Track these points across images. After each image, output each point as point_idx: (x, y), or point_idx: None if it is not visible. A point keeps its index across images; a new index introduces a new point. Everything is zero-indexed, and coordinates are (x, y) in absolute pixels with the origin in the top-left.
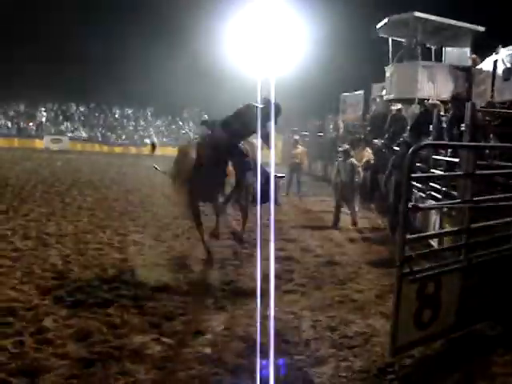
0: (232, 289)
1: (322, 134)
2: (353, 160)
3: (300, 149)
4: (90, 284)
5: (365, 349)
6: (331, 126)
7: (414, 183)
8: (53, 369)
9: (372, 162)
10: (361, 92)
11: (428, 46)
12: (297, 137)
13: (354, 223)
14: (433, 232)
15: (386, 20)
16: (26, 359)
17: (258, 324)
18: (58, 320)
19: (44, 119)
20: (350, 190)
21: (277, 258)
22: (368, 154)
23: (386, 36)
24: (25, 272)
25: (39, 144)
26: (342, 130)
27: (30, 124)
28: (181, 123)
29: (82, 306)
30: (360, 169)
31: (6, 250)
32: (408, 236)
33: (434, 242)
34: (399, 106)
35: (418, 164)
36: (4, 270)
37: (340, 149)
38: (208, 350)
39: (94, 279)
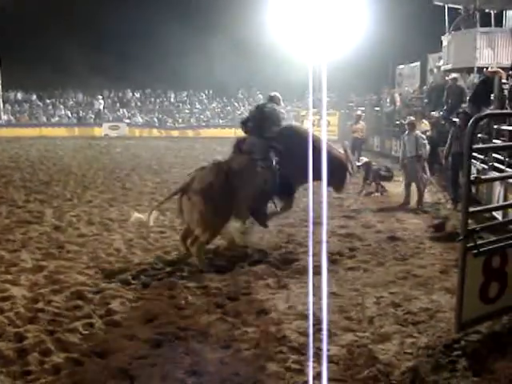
0: (294, 267)
1: (378, 108)
2: (418, 132)
3: (361, 124)
4: (154, 267)
5: (430, 325)
6: (388, 100)
7: (476, 154)
8: (122, 349)
9: (430, 134)
10: (417, 63)
11: (487, 10)
12: (359, 111)
13: (419, 203)
14: (497, 204)
15: None
16: (96, 340)
17: (321, 301)
18: (125, 303)
19: (102, 107)
20: (416, 166)
21: (338, 236)
22: (425, 125)
23: (441, 4)
24: (91, 257)
25: (98, 132)
26: (398, 104)
27: (89, 112)
28: (236, 104)
29: (147, 288)
30: (426, 141)
31: (73, 235)
32: (471, 209)
33: (499, 215)
34: (455, 75)
35: (480, 135)
36: (71, 255)
37: (404, 121)
38: (272, 329)
39: (158, 262)
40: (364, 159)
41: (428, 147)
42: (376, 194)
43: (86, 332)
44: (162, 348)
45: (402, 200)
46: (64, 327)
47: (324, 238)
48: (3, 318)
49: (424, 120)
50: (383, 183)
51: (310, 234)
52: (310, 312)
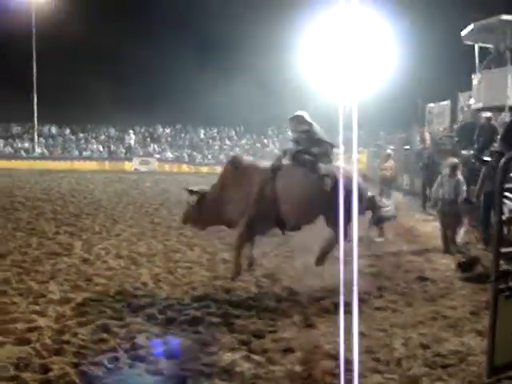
0: (321, 305)
1: (408, 146)
2: (460, 177)
3: (391, 162)
4: (180, 302)
5: (460, 368)
6: (417, 138)
7: (508, 194)
8: None
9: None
10: (447, 102)
11: None
12: (389, 150)
13: (452, 244)
14: None
15: (471, 26)
16: (121, 375)
17: (348, 341)
18: (151, 337)
19: (132, 142)
20: (454, 210)
21: (366, 274)
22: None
23: (471, 43)
24: (118, 290)
25: (128, 166)
26: (428, 142)
27: (120, 147)
28: (265, 141)
29: (173, 323)
30: (465, 187)
31: (101, 268)
32: (503, 249)
33: None
34: (489, 114)
35: None
36: (99, 288)
37: (448, 162)
38: (298, 368)
39: (184, 297)
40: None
41: (465, 194)
42: (379, 240)
43: (111, 366)
44: None
45: (431, 239)
46: (89, 360)
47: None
48: (30, 348)
49: (456, 159)
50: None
51: (341, 272)
52: (341, 352)
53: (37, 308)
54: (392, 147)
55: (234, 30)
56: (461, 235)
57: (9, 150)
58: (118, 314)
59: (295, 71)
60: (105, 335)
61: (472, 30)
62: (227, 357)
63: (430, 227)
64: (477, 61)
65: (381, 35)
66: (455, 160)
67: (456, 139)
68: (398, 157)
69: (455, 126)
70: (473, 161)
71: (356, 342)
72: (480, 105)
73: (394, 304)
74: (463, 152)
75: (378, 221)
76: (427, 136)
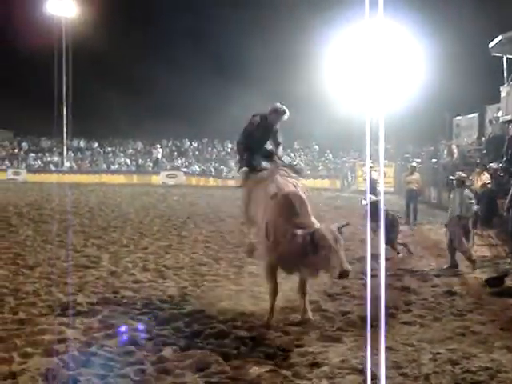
0: (348, 320)
1: (435, 159)
2: (467, 191)
3: (416, 175)
4: (207, 315)
5: None
6: (445, 152)
7: None
8: None
9: (489, 186)
10: (475, 115)
11: None
12: (414, 163)
13: (471, 261)
14: None
15: (499, 38)
16: None
17: (376, 356)
18: (177, 350)
19: (160, 155)
20: (456, 228)
21: (394, 289)
22: (485, 177)
23: (499, 54)
24: (144, 303)
25: (156, 180)
26: (456, 155)
27: (147, 161)
28: (292, 154)
29: (199, 336)
30: (473, 201)
31: (128, 281)
32: None
33: None
34: None
35: None
36: (126, 300)
37: (452, 177)
38: (325, 383)
39: (210, 310)
40: (372, 197)
41: (475, 208)
42: (400, 256)
43: (137, 378)
44: None
45: (459, 253)
46: (115, 372)
47: (382, 291)
48: (58, 360)
49: (484, 172)
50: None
51: (368, 287)
52: (368, 367)
53: (65, 320)
54: (418, 160)
55: (260, 44)
56: (469, 250)
57: (38, 163)
58: (145, 326)
59: (321, 85)
60: (131, 347)
61: (500, 41)
62: (253, 370)
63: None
64: (505, 73)
65: (408, 48)
66: (462, 174)
67: (484, 152)
68: (425, 170)
69: (483, 139)
70: (501, 174)
71: (383, 357)
72: (508, 117)
73: (422, 319)
74: (491, 165)
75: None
76: (455, 149)
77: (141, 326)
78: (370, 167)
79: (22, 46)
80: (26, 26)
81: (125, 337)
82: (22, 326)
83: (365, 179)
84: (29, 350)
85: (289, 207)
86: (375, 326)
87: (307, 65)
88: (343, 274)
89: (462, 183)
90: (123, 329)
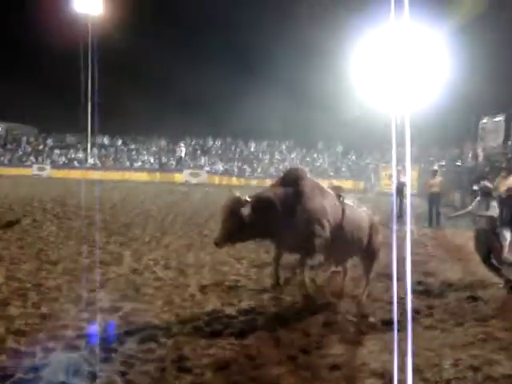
0: (369, 322)
1: (460, 163)
2: (493, 203)
3: (438, 178)
4: (227, 315)
5: None
6: (470, 155)
7: None
8: None
9: None
10: (501, 118)
11: None
12: (436, 167)
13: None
14: None
15: None
16: None
17: (396, 360)
18: (197, 349)
19: (183, 154)
20: (485, 238)
21: (415, 293)
22: (510, 182)
23: None
24: (165, 301)
25: (178, 178)
26: (480, 159)
27: (171, 159)
28: (315, 155)
29: (220, 336)
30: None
31: (149, 279)
32: None
33: None
34: None
35: None
36: (147, 298)
37: (475, 187)
38: None
39: (231, 310)
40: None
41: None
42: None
43: (157, 376)
44: None
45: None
46: (136, 369)
47: (408, 295)
48: (79, 356)
49: (510, 176)
50: None
51: (394, 290)
52: (384, 370)
53: (86, 316)
54: (441, 163)
55: (287, 43)
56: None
57: (63, 159)
58: (166, 324)
59: (347, 85)
60: (152, 345)
61: None
62: (273, 371)
63: None
64: None
65: (434, 49)
66: (488, 184)
67: (510, 156)
68: (450, 173)
69: (509, 143)
70: None
71: (409, 362)
72: None
73: (444, 323)
74: None
75: None
76: (480, 152)
77: (161, 324)
78: (398, 170)
79: (48, 44)
80: (52, 23)
81: (145, 334)
82: (44, 321)
83: (389, 181)
84: (51, 344)
85: None
86: (398, 330)
87: (333, 64)
88: None
89: (486, 193)
90: (143, 326)
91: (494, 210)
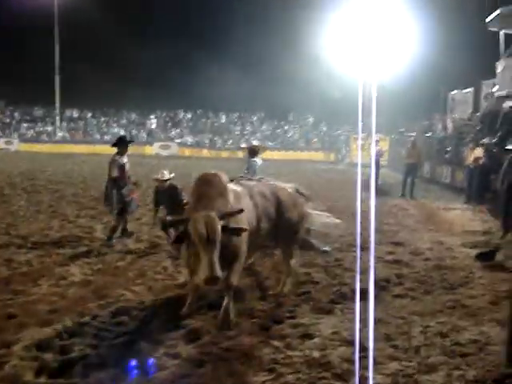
0: (340, 292)
1: (429, 134)
2: None
3: (417, 149)
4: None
5: (478, 357)
6: (439, 126)
7: None
8: (165, 368)
9: (482, 161)
10: (470, 90)
11: None
12: (413, 138)
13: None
14: None
15: (497, 12)
16: (139, 358)
17: (367, 328)
18: (169, 321)
19: (154, 126)
20: None
21: (386, 262)
22: (478, 152)
23: (496, 29)
24: (138, 274)
25: (149, 150)
26: (450, 130)
27: (141, 131)
28: (286, 127)
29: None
30: None
31: (121, 252)
32: None
33: None
34: None
35: None
36: (119, 271)
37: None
38: (316, 354)
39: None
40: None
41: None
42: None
43: (129, 349)
44: (205, 368)
45: (451, 227)
46: (107, 342)
47: (372, 263)
48: (51, 330)
49: (478, 147)
50: None
51: (358, 258)
52: (356, 338)
53: (58, 290)
54: (413, 134)
55: (255, 18)
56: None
57: (31, 133)
58: (138, 297)
59: (316, 57)
60: (124, 318)
61: (497, 15)
62: (246, 341)
63: (452, 214)
64: (501, 48)
65: (403, 21)
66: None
67: (478, 127)
68: (420, 144)
69: (478, 114)
70: (494, 150)
71: (372, 329)
72: (504, 92)
73: (413, 292)
74: (484, 140)
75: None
76: (449, 124)
77: (133, 297)
78: (377, 140)
79: (15, 16)
80: None
81: (118, 307)
82: (15, 296)
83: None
84: (23, 319)
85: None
86: (366, 299)
87: (302, 37)
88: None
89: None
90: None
91: None
